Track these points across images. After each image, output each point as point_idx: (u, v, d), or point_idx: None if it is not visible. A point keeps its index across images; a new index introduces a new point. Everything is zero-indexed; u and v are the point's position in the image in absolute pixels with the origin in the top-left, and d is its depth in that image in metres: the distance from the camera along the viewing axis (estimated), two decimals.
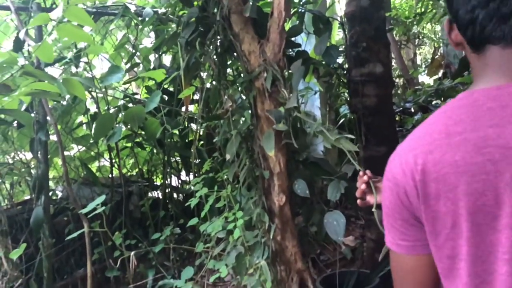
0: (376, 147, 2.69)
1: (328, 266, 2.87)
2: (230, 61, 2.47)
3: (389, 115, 2.76)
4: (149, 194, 3.23)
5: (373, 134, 2.70)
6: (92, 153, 3.08)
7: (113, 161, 3.00)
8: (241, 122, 1.96)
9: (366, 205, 1.41)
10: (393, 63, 5.64)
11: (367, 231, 2.76)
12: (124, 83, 3.25)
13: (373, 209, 1.34)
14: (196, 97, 3.30)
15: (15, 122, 2.60)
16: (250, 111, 1.89)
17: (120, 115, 2.82)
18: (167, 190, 3.15)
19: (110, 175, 3.11)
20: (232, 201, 2.03)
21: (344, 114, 3.67)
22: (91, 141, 2.98)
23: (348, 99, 2.88)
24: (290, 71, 2.40)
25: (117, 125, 2.58)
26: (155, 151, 3.18)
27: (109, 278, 2.72)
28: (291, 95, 1.78)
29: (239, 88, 1.98)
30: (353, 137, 1.80)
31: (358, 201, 1.41)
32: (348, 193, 2.14)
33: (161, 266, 2.87)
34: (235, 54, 2.12)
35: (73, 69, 2.93)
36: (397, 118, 3.57)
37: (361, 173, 1.42)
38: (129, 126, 2.99)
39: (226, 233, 2.11)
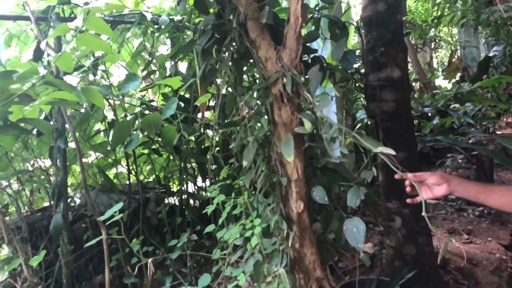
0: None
1: (346, 274, 2.83)
2: (246, 68, 2.47)
3: (407, 120, 2.72)
4: (166, 201, 3.23)
5: (391, 140, 2.66)
6: (110, 160, 3.10)
7: (130, 168, 3.02)
8: (257, 129, 1.94)
9: (416, 202, 1.44)
10: (409, 67, 5.59)
11: (386, 238, 2.72)
12: (141, 91, 3.27)
13: (423, 213, 1.34)
14: (212, 103, 3.31)
15: (35, 130, 2.64)
16: (266, 117, 1.88)
17: (137, 122, 2.83)
18: (183, 197, 3.16)
19: (127, 182, 3.13)
20: (250, 208, 2.02)
21: (361, 119, 3.64)
22: (109, 148, 3.00)
23: (365, 104, 2.85)
24: (306, 77, 2.39)
25: (134, 132, 2.59)
26: (171, 157, 3.19)
27: (127, 284, 2.72)
28: (314, 99, 1.77)
29: (255, 95, 1.97)
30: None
31: (408, 200, 1.44)
32: (367, 199, 2.12)
33: (178, 273, 2.87)
34: (251, 60, 2.11)
35: (91, 77, 2.97)
36: (415, 123, 3.52)
37: (397, 176, 1.42)
38: (146, 133, 3.01)
39: (244, 240, 2.09)
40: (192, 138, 3.34)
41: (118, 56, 2.73)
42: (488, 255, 3.18)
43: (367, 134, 3.27)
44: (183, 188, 3.16)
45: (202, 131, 3.11)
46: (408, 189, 1.43)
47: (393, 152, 1.44)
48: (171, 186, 3.43)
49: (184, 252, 2.73)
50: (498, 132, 5.54)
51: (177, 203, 3.19)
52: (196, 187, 3.28)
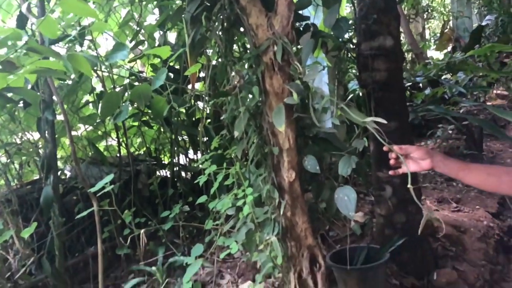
0: (387, 123, 2.65)
1: (337, 242, 2.88)
2: (237, 37, 2.41)
3: (399, 89, 2.71)
4: (157, 173, 3.22)
5: (383, 109, 2.65)
6: (100, 132, 3.07)
7: (121, 140, 2.99)
8: (249, 99, 1.92)
9: (398, 174, 1.45)
10: (402, 37, 5.53)
11: (377, 207, 2.75)
12: (129, 61, 3.21)
13: (409, 185, 1.36)
14: (203, 74, 3.26)
15: (21, 102, 2.59)
16: (258, 87, 1.85)
17: (126, 93, 2.78)
18: (175, 169, 3.15)
19: (117, 154, 3.10)
20: (241, 178, 2.01)
21: (353, 89, 3.62)
22: (98, 120, 2.96)
23: (358, 74, 2.83)
24: (299, 46, 2.35)
25: (123, 104, 2.55)
26: (162, 129, 3.16)
27: (120, 255, 2.74)
28: (305, 68, 1.74)
29: (247, 64, 1.94)
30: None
31: (390, 171, 1.46)
32: (358, 169, 2.12)
33: (171, 243, 2.89)
34: (242, 28, 2.07)
35: (78, 48, 2.90)
36: (406, 93, 3.51)
37: (385, 148, 1.43)
38: (135, 105, 2.97)
39: (236, 210, 2.10)
40: (183, 109, 3.31)
41: (105, 25, 2.66)
42: (476, 223, 3.25)
43: (359, 104, 3.27)
44: (174, 160, 3.15)
45: (192, 103, 3.08)
46: (392, 161, 1.45)
47: (383, 121, 1.44)
48: (163, 158, 3.41)
49: (177, 223, 2.74)
50: (488, 103, 5.56)
51: (169, 175, 3.18)
52: (187, 159, 3.27)
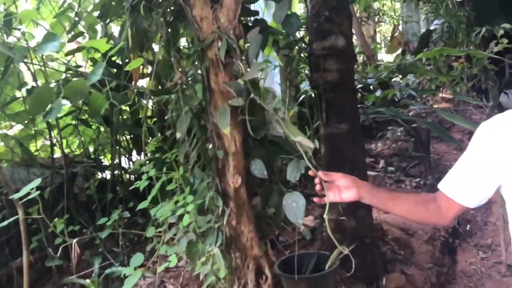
0: (337, 124, 2.58)
1: (287, 248, 2.78)
2: (183, 30, 2.25)
3: (351, 91, 2.66)
4: (97, 176, 2.99)
5: (334, 111, 2.58)
6: (31, 131, 2.79)
7: (55, 140, 2.74)
8: (193, 97, 1.77)
9: (323, 203, 1.35)
10: (353, 39, 5.55)
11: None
12: (66, 55, 2.95)
13: (324, 215, 1.27)
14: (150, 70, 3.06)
15: None
16: (202, 85, 1.70)
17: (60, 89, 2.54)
18: (116, 172, 2.93)
19: (50, 155, 2.84)
20: (183, 183, 1.86)
21: (305, 90, 3.55)
22: (30, 118, 2.69)
23: (309, 74, 2.74)
24: (247, 44, 2.22)
25: (56, 100, 2.31)
26: (102, 129, 2.93)
27: (51, 267, 2.50)
28: (248, 68, 1.61)
29: (191, 59, 1.78)
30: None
31: (315, 199, 1.36)
32: (308, 174, 2.03)
33: (110, 252, 2.68)
34: (186, 21, 1.91)
35: (5, 38, 2.61)
36: (358, 95, 3.50)
37: (310, 172, 1.33)
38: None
39: (178, 218, 1.94)
40: (126, 108, 3.09)
41: (34, 13, 2.40)
42: (423, 225, 3.27)
43: (310, 105, 3.19)
44: (115, 162, 2.93)
45: (135, 100, 2.87)
46: (317, 187, 1.33)
47: (312, 145, 1.35)
48: (103, 160, 3.17)
49: (115, 230, 2.54)
50: (435, 106, 5.72)
51: (109, 178, 2.95)
52: (130, 161, 3.06)
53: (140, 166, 2.17)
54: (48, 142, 2.84)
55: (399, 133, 4.66)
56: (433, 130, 2.65)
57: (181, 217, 1.87)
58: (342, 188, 1.32)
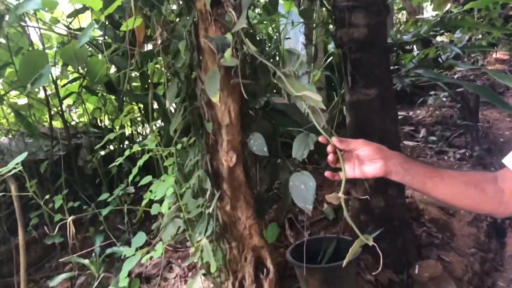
0: (364, 89, 2.22)
1: (307, 228, 2.50)
2: None
3: (381, 50, 2.26)
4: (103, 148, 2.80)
5: (361, 74, 2.22)
6: (32, 99, 2.62)
7: (57, 109, 2.56)
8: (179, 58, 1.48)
9: (337, 179, 1.02)
10: None
11: (352, 188, 2.36)
12: (69, 16, 2.72)
13: (340, 194, 0.95)
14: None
15: None
16: (187, 42, 1.41)
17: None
18: (122, 144, 2.73)
19: (58, 126, 2.68)
20: (175, 159, 1.61)
21: (332, 51, 3.16)
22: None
23: (334, 31, 2.37)
24: None
25: (46, 66, 2.10)
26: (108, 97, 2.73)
27: (54, 244, 2.37)
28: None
29: (177, 11, 1.49)
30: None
31: (326, 172, 1.02)
32: (321, 149, 1.72)
33: (116, 230, 2.52)
34: None
35: None
36: (392, 54, 3.06)
37: (321, 138, 1.00)
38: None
39: (175, 196, 1.72)
40: (135, 73, 2.86)
41: None
42: None
43: (339, 69, 2.81)
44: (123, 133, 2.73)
45: (141, 65, 2.62)
46: (330, 157, 0.98)
47: (318, 97, 1.01)
48: (114, 130, 2.98)
49: (120, 206, 2.36)
50: (487, 68, 5.11)
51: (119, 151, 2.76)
52: (136, 132, 2.85)
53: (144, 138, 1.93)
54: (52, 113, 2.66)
55: (443, 99, 4.17)
56: (482, 95, 2.23)
57: (181, 196, 1.64)
58: (363, 160, 0.99)
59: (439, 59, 3.28)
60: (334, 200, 2.81)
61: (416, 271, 2.22)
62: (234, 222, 1.47)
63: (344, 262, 0.92)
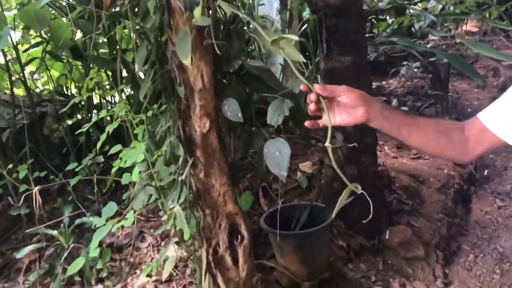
0: (339, 57, 2.20)
1: (281, 196, 2.51)
2: None
3: (357, 16, 2.22)
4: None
5: (336, 41, 2.19)
6: None
7: (19, 75, 2.42)
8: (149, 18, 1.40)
9: (316, 127, 0.99)
10: None
11: (325, 156, 2.37)
12: None
13: (326, 143, 0.91)
14: None
15: None
16: (157, 1, 1.33)
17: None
18: (92, 112, 2.63)
19: (22, 93, 2.55)
20: (145, 126, 1.56)
21: (307, 19, 3.11)
22: None
23: None
24: None
25: (5, 28, 1.97)
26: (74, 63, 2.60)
27: (20, 215, 2.29)
28: None
29: None
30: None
31: (307, 122, 0.98)
32: (296, 115, 1.69)
33: (85, 200, 2.46)
34: None
35: None
36: (367, 22, 3.03)
37: (302, 86, 0.96)
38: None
39: (147, 166, 1.67)
40: (102, 38, 2.73)
41: None
42: (436, 171, 2.96)
43: (314, 37, 2.77)
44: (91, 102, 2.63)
45: (109, 29, 2.49)
46: (312, 106, 0.94)
47: (294, 37, 0.97)
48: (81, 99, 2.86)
49: (89, 176, 2.29)
50: (458, 41, 5.18)
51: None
52: (104, 99, 2.75)
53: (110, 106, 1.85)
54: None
55: (415, 70, 4.21)
56: (455, 63, 2.25)
57: (153, 165, 1.59)
58: (345, 107, 0.96)
59: (412, 29, 3.28)
60: (307, 168, 2.81)
61: (387, 237, 2.27)
62: (208, 189, 1.44)
63: (334, 212, 0.91)
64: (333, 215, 1.01)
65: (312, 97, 0.92)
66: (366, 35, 2.51)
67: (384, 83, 4.29)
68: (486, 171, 3.47)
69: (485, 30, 5.41)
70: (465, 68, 2.19)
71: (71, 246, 2.09)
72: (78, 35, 2.75)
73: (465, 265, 2.37)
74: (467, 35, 5.95)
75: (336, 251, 2.11)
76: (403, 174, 2.76)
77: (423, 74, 4.31)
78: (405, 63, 4.12)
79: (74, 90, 2.83)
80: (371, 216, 2.40)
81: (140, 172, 1.51)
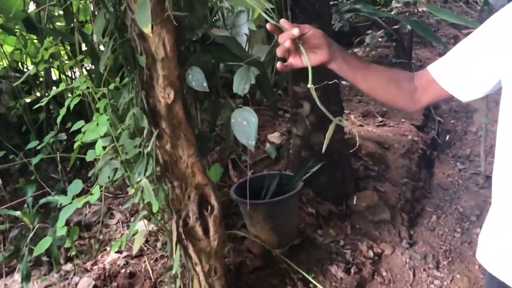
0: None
1: (251, 168, 2.52)
2: None
3: None
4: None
5: (301, 8, 2.17)
6: None
7: None
8: None
9: (288, 69, 0.96)
10: None
11: (293, 126, 2.39)
12: None
13: (309, 85, 0.88)
14: None
15: None
16: None
17: None
18: (51, 88, 2.52)
19: None
20: (108, 100, 1.51)
21: None
22: None
23: None
24: None
25: None
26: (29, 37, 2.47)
27: None
28: None
29: None
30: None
31: (278, 64, 0.96)
32: (262, 85, 1.68)
33: (49, 179, 2.39)
34: None
35: None
36: None
37: (268, 26, 0.92)
38: None
39: (111, 140, 1.62)
40: (58, 10, 2.60)
41: None
42: (400, 138, 3.04)
43: (277, 3, 2.73)
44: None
45: (64, 1, 2.37)
46: (287, 43, 0.87)
47: (269, 5, 0.94)
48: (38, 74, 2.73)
49: (52, 155, 2.22)
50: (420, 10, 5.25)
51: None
52: (65, 75, 2.64)
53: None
54: None
55: (379, 39, 4.24)
56: (417, 30, 2.28)
57: (117, 139, 1.55)
58: (310, 46, 0.92)
59: None
60: (276, 139, 2.82)
61: (354, 202, 2.33)
62: (175, 161, 1.42)
63: (324, 146, 0.90)
64: (323, 150, 0.99)
65: (284, 37, 0.87)
66: (331, 2, 2.50)
67: (349, 52, 4.31)
68: (447, 136, 3.59)
69: None
70: (427, 34, 2.22)
71: (36, 227, 2.04)
72: (32, 7, 2.60)
73: (429, 225, 2.47)
74: (430, 2, 6.05)
75: (306, 218, 2.15)
76: (369, 141, 2.82)
77: (387, 43, 4.36)
78: (369, 32, 4.14)
79: (30, 66, 2.70)
80: (338, 182, 2.45)
81: (104, 147, 1.47)
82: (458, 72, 0.94)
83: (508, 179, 0.87)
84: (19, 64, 2.61)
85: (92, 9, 1.49)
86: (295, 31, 0.87)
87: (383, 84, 1.01)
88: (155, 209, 1.38)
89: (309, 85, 0.89)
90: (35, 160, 2.10)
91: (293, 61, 0.93)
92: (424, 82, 1.00)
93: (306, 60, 0.89)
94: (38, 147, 2.07)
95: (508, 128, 0.87)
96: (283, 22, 0.89)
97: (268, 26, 0.91)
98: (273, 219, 1.87)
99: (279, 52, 0.91)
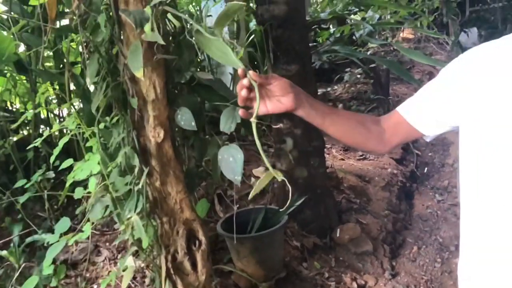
0: (286, 66, 2.32)
1: (237, 202, 2.57)
2: None
3: (301, 27, 2.36)
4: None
5: (282, 50, 2.30)
6: None
7: None
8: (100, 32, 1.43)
9: (249, 117, 1.03)
10: None
11: (277, 161, 2.47)
12: None
13: (252, 119, 0.95)
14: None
15: None
16: (107, 15, 1.36)
17: None
18: (39, 127, 2.57)
19: None
20: (97, 139, 1.57)
21: (254, 29, 3.21)
22: None
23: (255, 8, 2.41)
24: None
25: None
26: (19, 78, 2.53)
27: None
28: None
29: None
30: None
31: (240, 111, 1.04)
32: (247, 122, 1.77)
33: (36, 218, 2.39)
34: None
35: None
36: (310, 33, 3.19)
37: (239, 71, 0.99)
38: None
39: (102, 177, 1.67)
40: (48, 52, 2.68)
41: None
42: (380, 171, 3.15)
43: (262, 47, 2.87)
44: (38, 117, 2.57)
45: (54, 43, 2.46)
46: (244, 92, 0.96)
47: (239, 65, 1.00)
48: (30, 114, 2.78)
49: (39, 193, 2.24)
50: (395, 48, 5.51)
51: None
52: (53, 114, 2.69)
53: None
54: None
55: (358, 76, 4.44)
56: (392, 69, 2.43)
57: (108, 176, 1.60)
58: (275, 95, 1.01)
59: (354, 37, 3.47)
60: (260, 174, 2.90)
61: (338, 234, 2.39)
62: (164, 197, 1.47)
63: (251, 194, 0.97)
64: (251, 196, 1.06)
65: (244, 82, 0.94)
66: (310, 44, 2.65)
67: (329, 89, 4.49)
68: (426, 168, 3.72)
69: (419, 37, 5.80)
70: (401, 73, 2.37)
71: (22, 266, 2.03)
72: (21, 48, 2.68)
73: (410, 256, 2.54)
74: (404, 41, 6.34)
75: (291, 251, 2.20)
76: (350, 174, 2.92)
77: (365, 79, 4.56)
78: (348, 69, 4.34)
79: (19, 105, 2.75)
80: (322, 215, 2.53)
81: (96, 184, 1.52)
82: (424, 109, 0.99)
83: (474, 216, 0.90)
84: (8, 103, 2.66)
85: (84, 51, 1.57)
86: (245, 82, 0.94)
87: (352, 128, 1.06)
88: (145, 245, 1.41)
89: (252, 119, 0.96)
90: (22, 199, 2.11)
91: (262, 108, 1.00)
92: (393, 123, 1.04)
93: (256, 106, 0.94)
94: (26, 186, 2.09)
95: (468, 168, 0.94)
96: (251, 73, 0.97)
97: (239, 71, 0.98)
98: (260, 252, 1.92)
99: (239, 101, 0.99)
